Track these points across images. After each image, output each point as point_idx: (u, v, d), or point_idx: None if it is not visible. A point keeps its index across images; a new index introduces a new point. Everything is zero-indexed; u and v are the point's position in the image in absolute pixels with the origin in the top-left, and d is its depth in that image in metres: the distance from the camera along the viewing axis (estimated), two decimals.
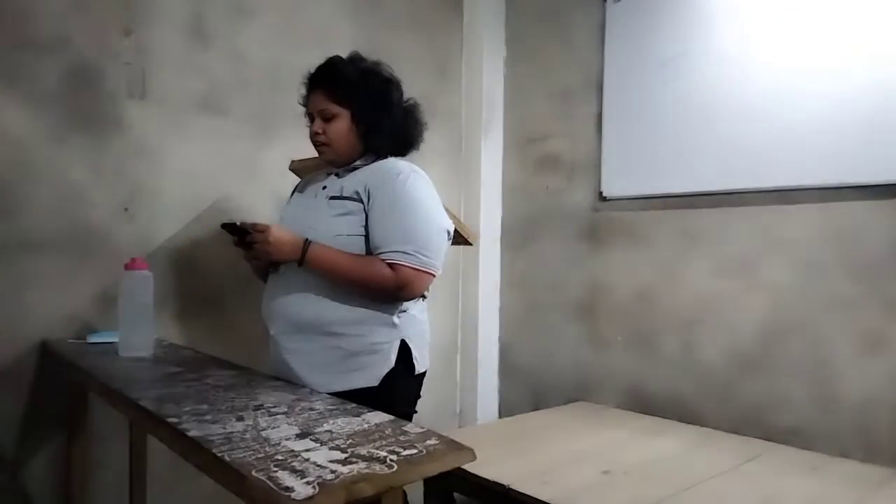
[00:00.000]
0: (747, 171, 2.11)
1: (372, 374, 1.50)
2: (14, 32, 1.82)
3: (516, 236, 2.91)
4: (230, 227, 1.47)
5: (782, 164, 2.03)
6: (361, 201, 1.52)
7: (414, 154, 1.68)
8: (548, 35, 2.79)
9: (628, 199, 2.48)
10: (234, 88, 2.24)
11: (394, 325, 1.53)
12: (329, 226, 1.52)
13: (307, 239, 1.48)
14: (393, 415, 1.14)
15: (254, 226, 1.47)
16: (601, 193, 2.55)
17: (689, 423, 2.20)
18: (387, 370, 1.51)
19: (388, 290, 1.47)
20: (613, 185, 2.51)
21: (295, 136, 2.21)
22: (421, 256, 1.47)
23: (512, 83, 2.95)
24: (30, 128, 1.85)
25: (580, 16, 2.65)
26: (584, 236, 2.63)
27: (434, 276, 1.52)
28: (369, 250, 1.51)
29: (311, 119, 1.62)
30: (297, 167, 2.07)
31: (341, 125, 1.58)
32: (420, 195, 1.53)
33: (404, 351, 1.54)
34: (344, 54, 1.64)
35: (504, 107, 2.97)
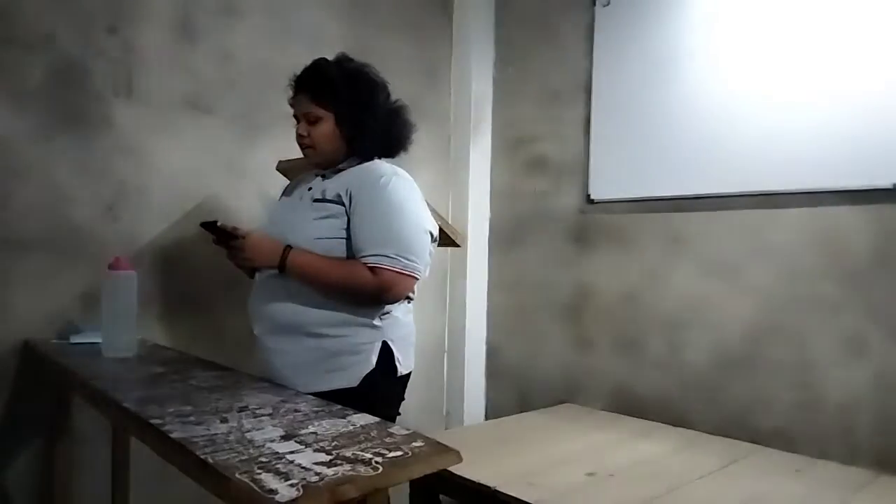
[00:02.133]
0: (734, 175, 2.13)
1: (352, 374, 1.50)
2: None
3: (504, 238, 2.91)
4: (210, 226, 1.46)
5: (768, 168, 2.05)
6: (343, 204, 1.51)
7: (402, 156, 1.68)
8: (537, 38, 2.79)
9: (616, 201, 2.49)
10: (221, 88, 2.22)
11: (375, 326, 1.53)
12: (311, 228, 1.52)
13: (287, 245, 1.47)
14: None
15: (234, 229, 1.46)
16: (589, 196, 2.56)
17: (674, 425, 2.21)
18: (367, 371, 1.51)
19: (370, 293, 1.47)
20: (601, 188, 2.52)
21: (282, 137, 2.20)
22: (403, 259, 1.47)
23: (501, 85, 2.95)
24: (14, 126, 1.82)
25: (569, 19, 2.66)
26: (571, 238, 2.64)
27: (416, 278, 1.51)
28: (352, 254, 1.50)
29: (298, 121, 1.61)
30: (285, 167, 2.06)
31: (325, 128, 1.57)
32: (402, 198, 1.53)
33: (386, 352, 1.54)
34: (332, 55, 1.63)
35: (493, 109, 2.97)
